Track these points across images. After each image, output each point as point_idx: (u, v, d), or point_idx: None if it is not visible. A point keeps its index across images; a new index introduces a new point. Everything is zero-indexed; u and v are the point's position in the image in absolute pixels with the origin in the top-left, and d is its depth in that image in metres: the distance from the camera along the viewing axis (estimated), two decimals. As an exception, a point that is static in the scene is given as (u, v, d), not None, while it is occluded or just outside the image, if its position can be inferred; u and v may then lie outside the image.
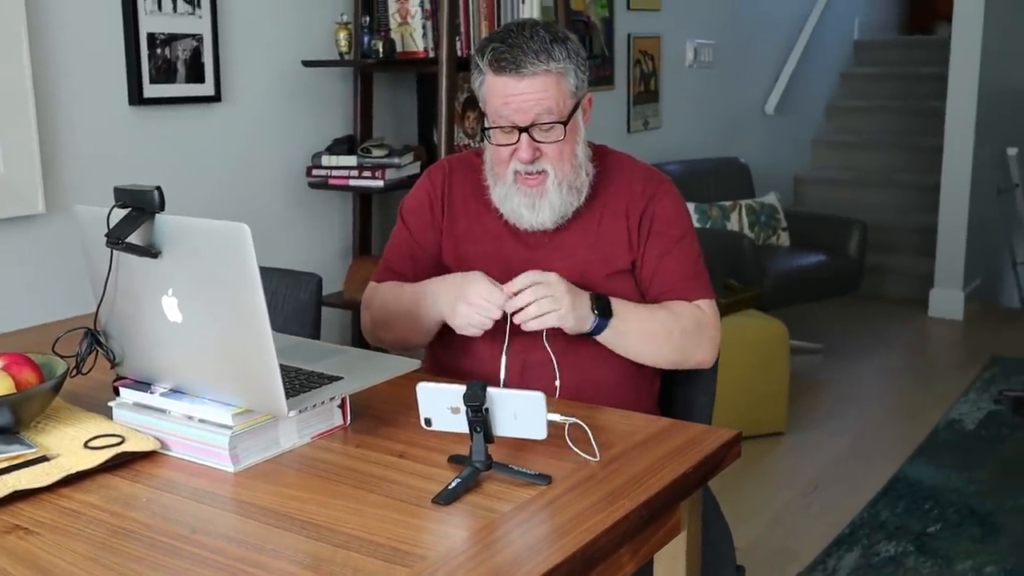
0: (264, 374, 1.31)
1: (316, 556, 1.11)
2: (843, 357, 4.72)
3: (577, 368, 1.75)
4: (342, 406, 1.49)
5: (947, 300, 5.41)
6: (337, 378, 1.49)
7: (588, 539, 1.14)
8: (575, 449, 1.37)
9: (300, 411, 1.39)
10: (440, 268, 1.85)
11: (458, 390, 1.32)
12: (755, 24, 5.82)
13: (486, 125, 1.76)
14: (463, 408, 1.32)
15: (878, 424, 3.93)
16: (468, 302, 1.64)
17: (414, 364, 1.57)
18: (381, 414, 1.54)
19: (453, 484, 1.26)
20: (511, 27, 1.74)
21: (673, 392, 1.94)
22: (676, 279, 1.80)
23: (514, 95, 1.70)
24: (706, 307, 1.80)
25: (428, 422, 1.37)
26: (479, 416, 1.30)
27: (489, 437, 1.31)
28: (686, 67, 5.31)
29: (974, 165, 5.30)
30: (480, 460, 1.30)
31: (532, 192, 1.75)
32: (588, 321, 1.67)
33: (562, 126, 1.72)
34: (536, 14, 3.48)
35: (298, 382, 1.47)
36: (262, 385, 1.32)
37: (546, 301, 1.61)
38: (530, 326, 1.62)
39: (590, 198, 1.80)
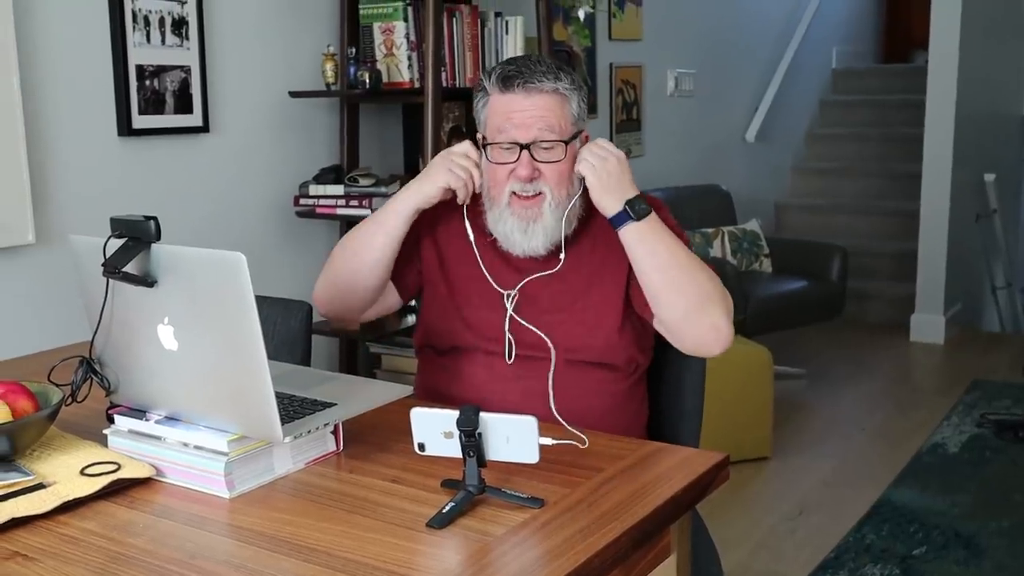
0: (260, 401, 1.33)
1: (314, 580, 1.13)
2: (826, 382, 4.76)
3: (570, 393, 1.76)
4: (335, 432, 1.51)
5: (928, 325, 5.47)
6: (330, 404, 1.51)
7: (580, 561, 1.16)
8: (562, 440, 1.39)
9: (295, 437, 1.41)
10: (414, 273, 1.90)
11: (451, 415, 1.34)
12: (735, 53, 5.90)
13: (485, 143, 1.78)
14: (456, 433, 1.34)
15: (862, 448, 3.96)
16: (445, 157, 1.75)
17: (406, 391, 1.59)
18: (373, 440, 1.55)
19: (447, 508, 1.28)
20: (519, 56, 1.82)
21: (660, 418, 1.97)
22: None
23: (518, 111, 1.73)
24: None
25: (422, 447, 1.39)
26: (472, 441, 1.32)
27: (482, 461, 1.33)
28: (667, 96, 5.38)
29: (952, 191, 5.37)
30: (473, 484, 1.32)
31: (527, 214, 1.75)
32: (615, 206, 1.70)
33: (563, 146, 1.74)
34: (520, 44, 3.52)
35: (292, 409, 1.49)
36: (258, 412, 1.34)
37: (596, 159, 1.69)
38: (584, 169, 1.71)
39: (584, 227, 1.82)
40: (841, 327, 5.45)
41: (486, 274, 1.82)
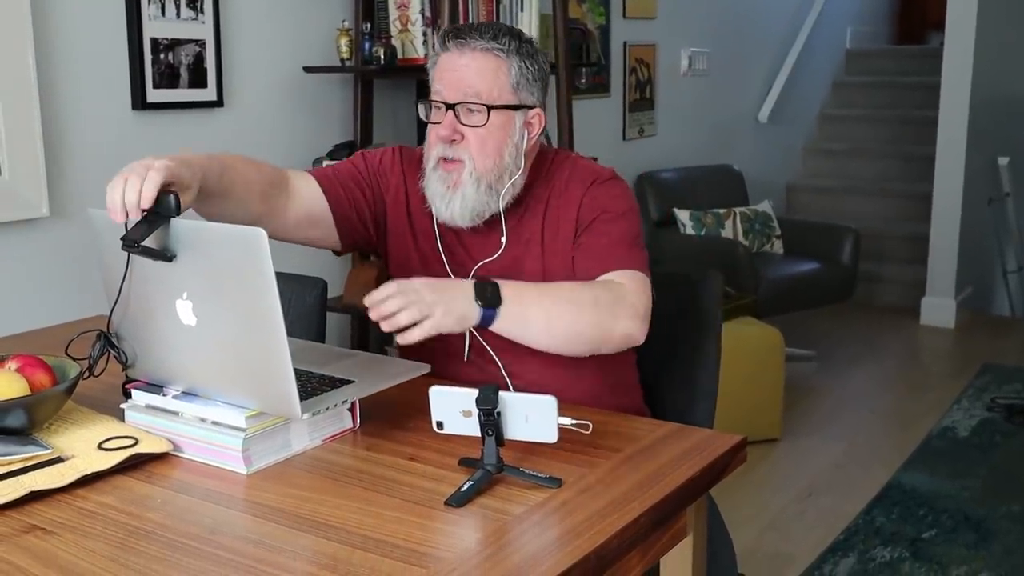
0: (279, 377, 1.33)
1: (333, 556, 1.13)
2: (836, 364, 4.76)
3: (549, 376, 1.70)
4: (352, 409, 1.51)
5: (939, 308, 5.45)
6: (348, 382, 1.51)
7: (600, 542, 1.16)
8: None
9: (313, 414, 1.41)
10: (357, 222, 1.79)
11: (471, 394, 1.34)
12: (749, 33, 5.86)
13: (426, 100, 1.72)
14: (475, 411, 1.33)
15: (872, 431, 3.96)
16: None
17: (423, 368, 1.58)
18: (390, 417, 1.55)
19: (465, 487, 1.28)
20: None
21: (674, 397, 1.96)
22: (595, 252, 1.70)
23: (449, 69, 1.68)
24: (627, 277, 1.66)
25: (440, 425, 1.39)
26: (491, 419, 1.32)
27: (500, 440, 1.33)
28: (681, 75, 5.35)
29: (966, 174, 5.34)
30: (492, 463, 1.32)
31: (447, 178, 1.69)
32: (473, 315, 1.52)
33: (486, 111, 1.66)
34: (535, 20, 3.50)
35: (310, 385, 1.48)
36: (276, 388, 1.34)
37: (414, 309, 1.47)
38: (406, 338, 1.49)
39: (534, 205, 1.75)
40: (852, 309, 5.44)
41: (443, 257, 1.78)
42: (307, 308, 2.06)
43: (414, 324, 1.48)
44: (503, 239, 1.75)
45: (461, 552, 1.13)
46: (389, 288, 1.48)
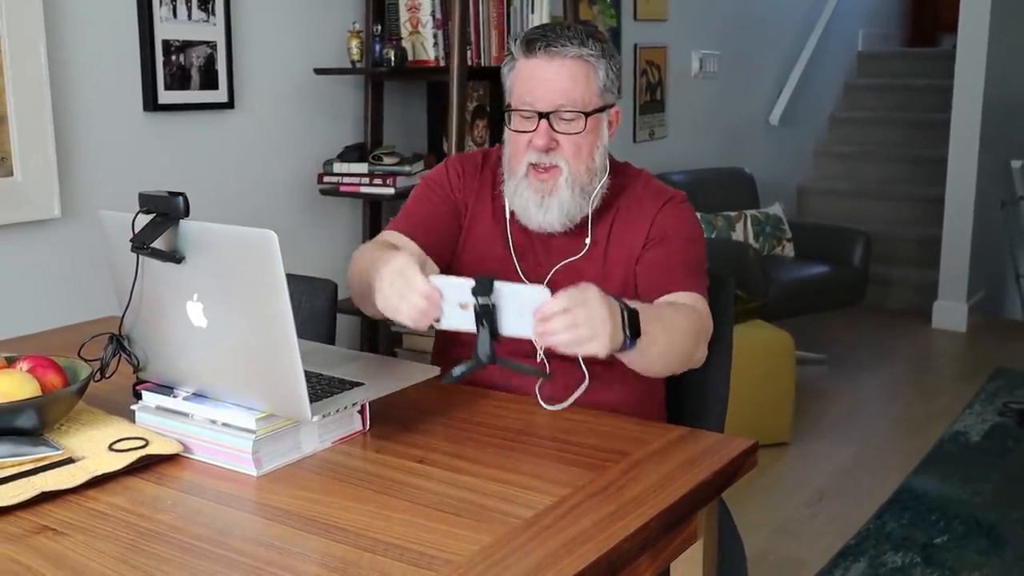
0: (289, 379, 1.33)
1: (343, 560, 1.13)
2: (847, 368, 4.74)
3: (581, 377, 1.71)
4: (362, 411, 1.51)
5: (951, 312, 5.43)
6: (358, 384, 1.51)
7: (611, 546, 1.15)
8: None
9: (323, 416, 1.41)
10: (452, 245, 1.82)
11: (468, 283, 1.34)
12: (760, 35, 5.85)
13: (508, 110, 1.72)
14: (471, 303, 1.33)
15: (882, 435, 3.94)
16: (385, 282, 1.43)
17: (433, 371, 1.58)
18: (399, 419, 1.55)
19: (457, 372, 1.33)
20: (550, 23, 1.73)
21: (684, 401, 1.96)
22: (665, 271, 1.72)
23: (540, 79, 1.67)
24: (697, 302, 1.69)
25: (437, 320, 1.38)
26: (485, 310, 1.32)
27: (495, 334, 1.33)
28: (692, 77, 5.34)
29: (978, 177, 5.32)
30: (485, 353, 1.32)
31: (543, 187, 1.69)
32: (618, 344, 1.45)
33: (583, 118, 1.67)
34: (545, 22, 3.49)
35: (320, 387, 1.48)
36: (287, 390, 1.34)
37: (585, 329, 1.37)
38: (566, 351, 1.41)
39: (603, 211, 1.77)
40: (862, 313, 5.42)
41: (515, 260, 1.78)
42: (317, 310, 2.07)
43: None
44: (587, 240, 1.76)
45: (471, 556, 1.13)
46: (561, 301, 1.36)
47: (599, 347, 1.40)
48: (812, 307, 4.72)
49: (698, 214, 4.75)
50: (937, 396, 4.38)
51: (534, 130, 1.68)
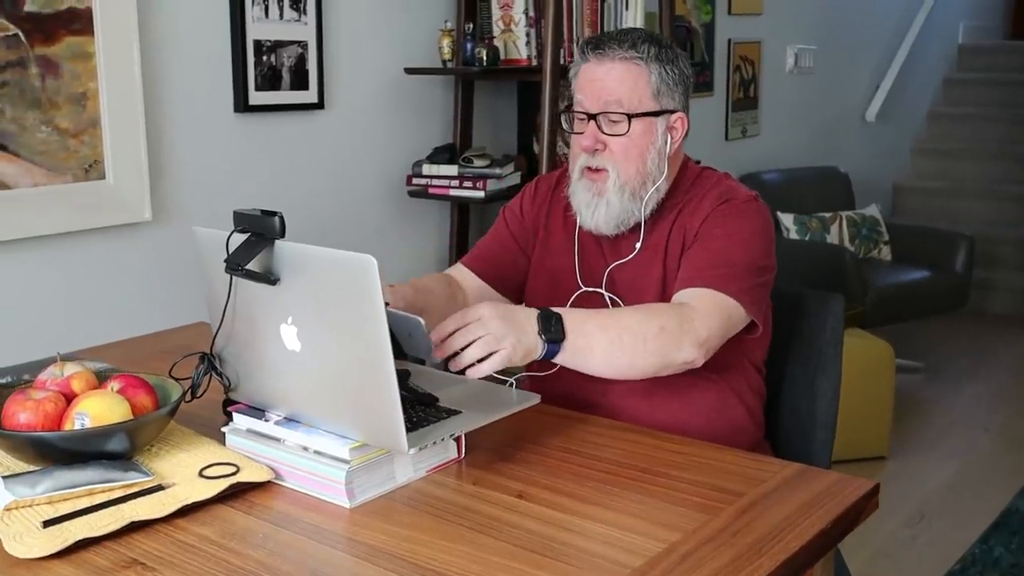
0: (385, 410, 1.27)
1: (442, 611, 1.07)
2: (946, 377, 4.55)
3: (663, 391, 1.67)
4: (457, 440, 1.44)
5: (1056, 319, 5.20)
6: (455, 412, 1.44)
7: (728, 603, 1.07)
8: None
9: (420, 449, 1.35)
10: (521, 270, 1.86)
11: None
12: (857, 28, 5.66)
13: (567, 111, 1.75)
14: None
15: (986, 451, 3.77)
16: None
17: (534, 399, 1.51)
18: (495, 446, 1.49)
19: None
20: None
21: (790, 428, 1.86)
22: (696, 263, 1.64)
23: (590, 80, 1.68)
24: (706, 299, 1.59)
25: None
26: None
27: (401, 354, 1.43)
28: (786, 73, 5.18)
29: (1088, 178, 5.08)
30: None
31: (593, 188, 1.70)
32: (538, 350, 1.46)
33: (627, 120, 1.66)
34: (640, 19, 3.40)
35: (415, 415, 1.42)
36: (382, 420, 1.28)
37: (483, 343, 1.40)
38: (474, 373, 1.42)
39: (666, 213, 1.73)
40: (961, 318, 5.20)
41: (576, 263, 1.79)
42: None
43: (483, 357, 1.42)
44: (638, 243, 1.73)
45: (578, 611, 1.06)
46: (455, 321, 1.43)
47: (506, 355, 1.41)
48: (910, 315, 4.55)
49: (790, 215, 4.62)
50: (1043, 409, 4.19)
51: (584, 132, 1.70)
